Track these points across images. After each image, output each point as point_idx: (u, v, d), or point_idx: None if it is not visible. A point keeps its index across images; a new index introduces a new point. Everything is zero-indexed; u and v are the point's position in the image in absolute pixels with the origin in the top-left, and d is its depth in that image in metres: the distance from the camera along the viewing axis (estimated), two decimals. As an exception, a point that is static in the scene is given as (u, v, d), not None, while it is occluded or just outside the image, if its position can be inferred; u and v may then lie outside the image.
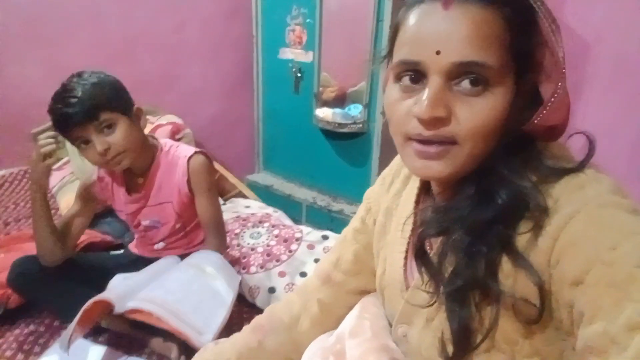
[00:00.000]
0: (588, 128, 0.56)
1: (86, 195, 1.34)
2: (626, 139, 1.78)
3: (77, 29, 2.04)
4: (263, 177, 2.63)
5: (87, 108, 1.10)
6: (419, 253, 0.62)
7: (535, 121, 0.53)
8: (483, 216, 0.54)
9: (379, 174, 2.24)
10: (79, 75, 1.15)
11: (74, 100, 1.10)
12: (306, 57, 2.25)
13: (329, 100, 2.23)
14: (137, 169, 1.29)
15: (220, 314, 1.13)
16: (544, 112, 0.53)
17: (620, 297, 0.41)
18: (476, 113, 0.51)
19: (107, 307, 1.10)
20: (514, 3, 0.51)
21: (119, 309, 1.07)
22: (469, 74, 0.50)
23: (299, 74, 2.31)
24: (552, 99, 0.53)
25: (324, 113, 2.21)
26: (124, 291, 1.15)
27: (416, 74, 0.53)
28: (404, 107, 0.54)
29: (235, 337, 0.88)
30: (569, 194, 0.50)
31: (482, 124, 0.51)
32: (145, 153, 1.28)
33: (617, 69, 1.81)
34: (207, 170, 1.31)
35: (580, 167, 0.52)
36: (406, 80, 0.54)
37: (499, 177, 0.54)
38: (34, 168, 1.15)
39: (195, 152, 1.32)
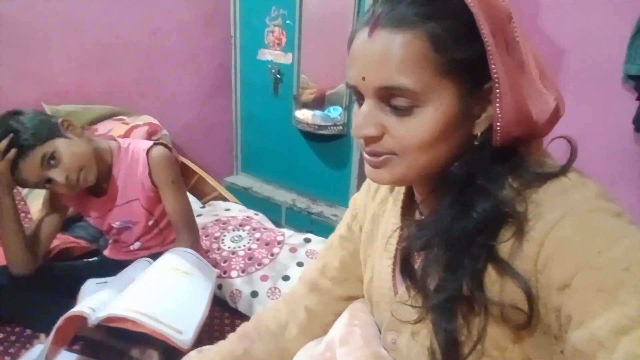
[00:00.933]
0: (562, 133, 0.57)
1: (53, 202, 1.29)
2: (599, 144, 1.84)
3: (51, 33, 1.98)
4: (241, 180, 2.60)
5: (27, 153, 1.09)
6: (404, 267, 0.62)
7: (498, 139, 0.53)
8: (462, 228, 0.54)
9: (358, 176, 2.26)
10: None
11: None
12: (285, 58, 2.24)
13: (307, 102, 2.22)
14: (99, 173, 1.26)
15: (199, 311, 1.10)
16: (498, 128, 0.52)
17: (608, 301, 0.42)
18: (408, 131, 0.53)
19: (81, 321, 1.06)
20: (443, 19, 0.50)
21: (93, 321, 1.03)
22: (394, 96, 0.52)
23: (278, 76, 2.30)
24: (499, 117, 0.51)
25: (303, 115, 2.20)
26: (96, 301, 1.10)
27: (359, 94, 0.56)
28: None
29: (221, 344, 0.86)
30: (552, 198, 0.50)
31: (415, 140, 0.53)
32: (101, 156, 1.25)
33: (590, 75, 1.87)
34: (168, 161, 1.27)
35: (563, 171, 0.53)
36: (357, 99, 0.58)
37: (475, 187, 0.54)
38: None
39: (154, 144, 1.28)
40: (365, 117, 0.54)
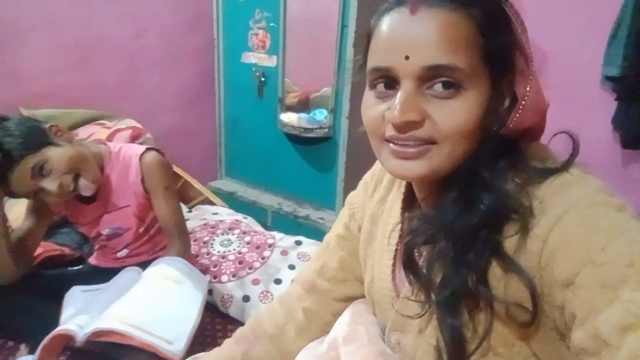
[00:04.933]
0: (545, 136, 0.58)
1: (38, 209, 1.24)
2: (582, 146, 1.88)
3: (30, 32, 1.91)
4: (226, 184, 2.57)
5: (17, 161, 1.04)
6: (408, 263, 0.61)
7: (511, 125, 0.53)
8: (467, 223, 0.53)
9: (345, 179, 2.25)
10: None
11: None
12: (270, 61, 2.22)
13: (292, 105, 2.21)
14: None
15: (190, 320, 1.08)
16: (517, 115, 0.53)
17: (611, 298, 0.42)
18: (451, 115, 0.51)
19: (68, 338, 1.02)
20: (483, 5, 0.52)
21: (81, 338, 0.99)
22: (440, 77, 0.50)
23: (262, 79, 2.28)
24: (523, 102, 0.53)
25: (289, 118, 2.19)
26: (84, 317, 1.07)
27: (389, 79, 0.54)
28: (379, 112, 0.55)
29: (217, 350, 0.83)
30: (554, 194, 0.50)
31: (458, 126, 0.51)
32: (92, 161, 1.21)
33: (572, 79, 1.92)
34: (161, 167, 1.24)
35: (565, 167, 0.52)
36: (380, 86, 0.55)
37: (481, 181, 0.54)
38: None
39: (147, 149, 1.25)
40: (406, 102, 0.51)
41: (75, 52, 2.05)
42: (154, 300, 1.08)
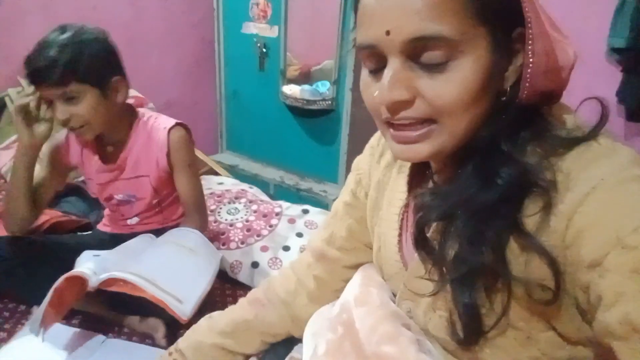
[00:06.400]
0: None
1: (52, 159, 1.22)
2: (585, 117, 1.89)
3: (28, 13, 1.87)
4: (227, 157, 2.55)
5: (55, 75, 1.01)
6: (420, 239, 0.57)
7: (525, 92, 0.48)
8: (486, 199, 0.49)
9: (348, 151, 2.22)
10: (62, 30, 1.07)
11: (44, 61, 1.01)
12: (271, 31, 2.19)
13: (293, 78, 2.19)
14: (111, 138, 1.21)
15: (201, 285, 1.08)
16: (527, 77, 0.48)
17: None
18: (443, 89, 0.46)
19: (80, 284, 1.02)
20: None
21: (93, 282, 0.99)
22: (427, 50, 0.46)
23: (264, 50, 2.25)
24: (531, 64, 0.47)
25: (291, 90, 2.17)
26: (96, 267, 1.06)
27: (376, 56, 0.49)
28: (373, 93, 0.50)
29: (232, 309, 0.84)
30: (581, 168, 0.46)
31: (452, 99, 0.46)
32: (120, 123, 1.20)
33: (577, 50, 1.91)
34: (187, 144, 1.24)
35: (592, 135, 0.47)
36: (370, 64, 0.51)
37: (500, 154, 0.50)
38: (19, 129, 1.08)
39: (177, 124, 1.24)
40: (393, 79, 0.47)
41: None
42: (167, 261, 1.09)
